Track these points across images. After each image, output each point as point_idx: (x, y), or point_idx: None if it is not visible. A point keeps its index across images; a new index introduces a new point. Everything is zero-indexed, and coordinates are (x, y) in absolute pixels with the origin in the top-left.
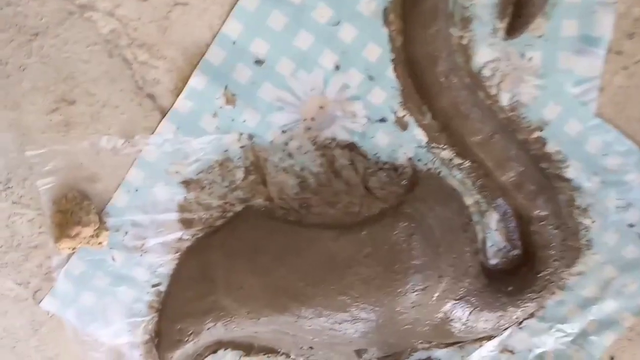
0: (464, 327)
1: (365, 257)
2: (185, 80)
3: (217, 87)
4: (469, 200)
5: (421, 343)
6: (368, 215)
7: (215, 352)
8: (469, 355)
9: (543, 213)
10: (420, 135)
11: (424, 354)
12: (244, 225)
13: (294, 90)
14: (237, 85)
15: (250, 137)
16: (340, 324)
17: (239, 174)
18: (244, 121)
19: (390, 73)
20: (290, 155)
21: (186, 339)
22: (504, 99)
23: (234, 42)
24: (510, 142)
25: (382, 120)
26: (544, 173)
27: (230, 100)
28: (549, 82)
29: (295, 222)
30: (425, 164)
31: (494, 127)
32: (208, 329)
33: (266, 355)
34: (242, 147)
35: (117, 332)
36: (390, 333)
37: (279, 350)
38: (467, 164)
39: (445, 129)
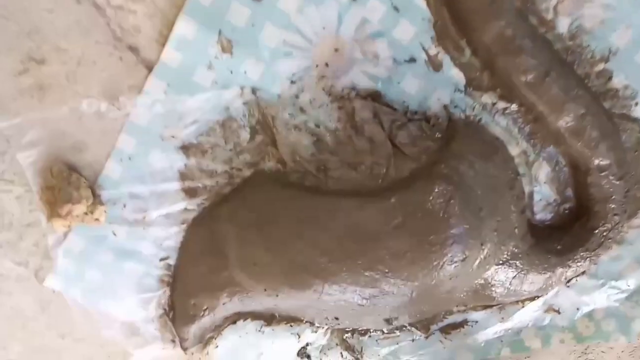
0: (506, 291)
1: (395, 229)
2: (170, 27)
3: (209, 32)
4: (514, 151)
5: (457, 306)
6: (396, 178)
7: (234, 322)
8: (509, 316)
9: (605, 162)
10: (457, 77)
11: (460, 317)
12: (254, 193)
13: (302, 31)
14: (233, 29)
15: (254, 90)
16: (368, 299)
17: (245, 135)
18: (245, 72)
19: (420, 1)
20: (302, 109)
21: (201, 313)
22: (562, 25)
23: None
24: (569, 79)
25: (411, 60)
26: (607, 114)
27: (227, 47)
28: (620, 1)
29: (313, 188)
30: (463, 111)
31: (549, 62)
32: (224, 303)
33: (289, 324)
34: (245, 103)
35: (129, 308)
36: (423, 303)
37: (302, 318)
38: (514, 107)
39: (489, 67)
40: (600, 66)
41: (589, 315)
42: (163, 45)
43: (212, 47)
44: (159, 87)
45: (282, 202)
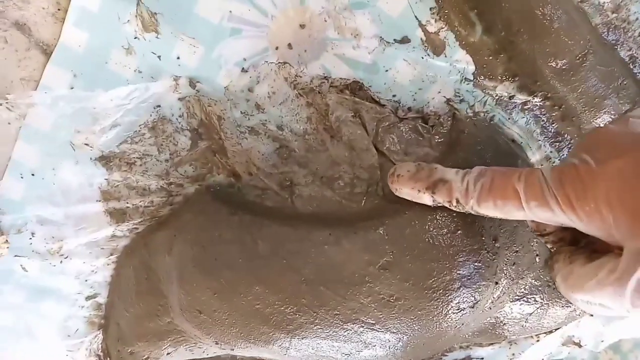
0: (521, 329)
1: (382, 270)
2: None
3: (124, 2)
4: (534, 156)
5: (459, 344)
6: (384, 199)
7: None
8: (521, 351)
9: None
10: (464, 61)
11: (462, 353)
12: (197, 219)
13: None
14: None
15: (192, 82)
16: (349, 355)
17: (184, 141)
18: (178, 58)
19: None
20: (258, 107)
21: None
22: None
23: None
24: (611, 65)
25: (404, 40)
26: None
27: (149, 24)
28: None
29: (275, 211)
30: (471, 107)
31: (587, 42)
32: (168, 354)
33: None
34: (181, 99)
35: (53, 356)
36: (420, 351)
37: None
38: (538, 101)
39: (507, 49)
40: None
41: (615, 347)
42: (62, 22)
43: (128, 23)
44: (62, 80)
45: (232, 232)
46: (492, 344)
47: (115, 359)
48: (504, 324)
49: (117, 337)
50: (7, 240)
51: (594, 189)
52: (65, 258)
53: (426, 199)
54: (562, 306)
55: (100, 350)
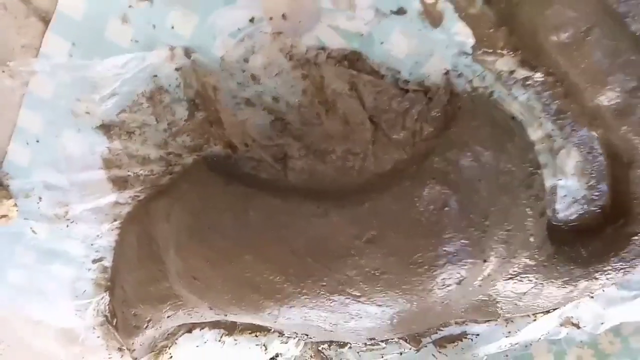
0: (515, 307)
1: (368, 243)
2: None
3: None
4: (535, 134)
5: (454, 319)
6: (375, 173)
7: (190, 331)
8: (517, 330)
9: None
10: (463, 34)
11: (458, 329)
12: (193, 189)
13: None
14: None
15: (188, 52)
16: (336, 324)
17: (181, 111)
18: (173, 27)
19: None
20: (254, 78)
21: (145, 325)
22: None
23: None
24: (618, 40)
25: (400, 11)
26: None
27: None
28: None
29: (268, 183)
30: (470, 82)
31: (593, 15)
32: (168, 317)
33: (253, 334)
34: (178, 69)
35: (63, 314)
36: (409, 324)
37: (269, 328)
38: (539, 77)
39: (508, 21)
40: None
41: (616, 330)
42: None
43: None
44: (61, 48)
45: (226, 202)
46: (487, 321)
47: (121, 320)
48: (497, 302)
49: (122, 300)
50: (15, 204)
51: None
52: (72, 222)
53: None
54: (558, 287)
55: (107, 312)
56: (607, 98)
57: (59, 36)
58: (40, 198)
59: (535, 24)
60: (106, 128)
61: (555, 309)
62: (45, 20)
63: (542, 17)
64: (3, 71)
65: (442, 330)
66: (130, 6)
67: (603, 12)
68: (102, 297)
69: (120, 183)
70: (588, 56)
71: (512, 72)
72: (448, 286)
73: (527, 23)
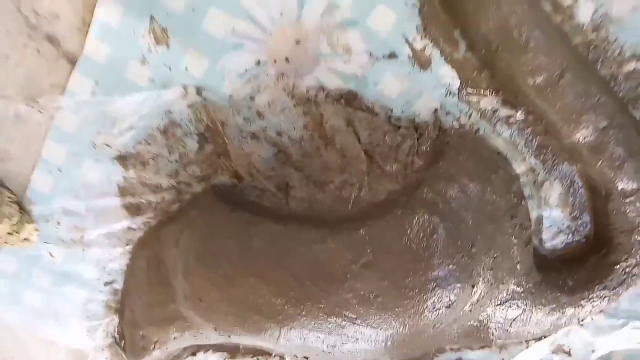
0: (505, 333)
1: (363, 268)
2: (93, 12)
3: (139, 19)
4: (519, 168)
5: (449, 345)
6: (370, 203)
7: (194, 354)
8: (511, 357)
9: (631, 186)
10: (449, 76)
11: (453, 355)
12: (201, 216)
13: (254, 17)
14: (168, 14)
15: (200, 90)
16: (334, 346)
17: (192, 144)
18: (186, 69)
19: None
20: (259, 114)
21: (152, 347)
22: (584, 14)
23: None
24: (589, 83)
25: (392, 56)
26: (637, 126)
27: (161, 38)
28: None
29: (271, 210)
30: (457, 119)
31: (564, 60)
32: (174, 338)
33: (255, 358)
34: (190, 105)
35: (74, 335)
36: (404, 348)
37: (270, 352)
38: (520, 116)
39: (489, 65)
40: (631, 65)
41: (607, 358)
42: (86, 34)
43: (142, 37)
44: (85, 86)
45: (231, 228)
46: (482, 347)
47: (129, 341)
48: (488, 327)
49: (130, 321)
50: (36, 229)
51: None
52: (87, 246)
53: None
54: (546, 313)
55: (116, 333)
56: (582, 135)
57: (84, 76)
58: (58, 223)
59: (513, 69)
60: (123, 159)
61: (546, 336)
62: (72, 62)
63: (518, 63)
64: (32, 107)
65: (437, 356)
66: (149, 50)
67: (574, 58)
68: (112, 319)
69: (133, 210)
70: (562, 98)
71: (495, 110)
72: (438, 309)
73: (506, 68)
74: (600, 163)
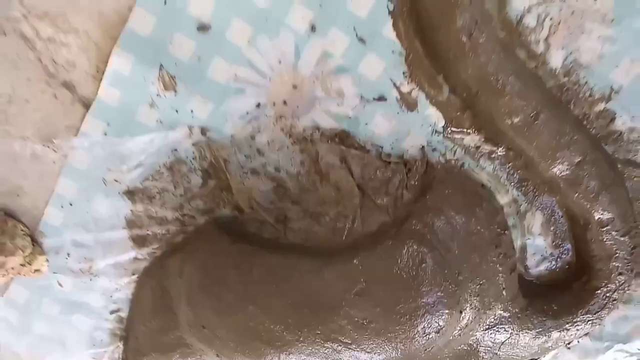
0: (495, 356)
1: (357, 296)
2: (107, 61)
3: (149, 67)
4: (503, 199)
5: None
6: (363, 234)
7: None
8: None
9: (606, 216)
10: (434, 116)
11: None
12: (203, 247)
13: (255, 65)
14: (176, 63)
15: (204, 131)
16: None
17: (196, 179)
18: (192, 111)
19: (388, 32)
20: (259, 152)
21: None
22: (555, 60)
23: (165, 1)
24: (563, 122)
25: (381, 99)
26: (609, 160)
27: (169, 84)
28: (622, 32)
29: (270, 241)
30: (443, 155)
31: (538, 102)
32: None
33: None
34: (194, 144)
35: None
36: None
37: None
38: (501, 152)
39: (470, 106)
40: (601, 106)
41: None
42: (100, 81)
43: (152, 83)
44: (98, 128)
45: (232, 259)
46: None
47: None
48: (478, 351)
49: (135, 348)
50: (47, 260)
51: None
52: (95, 276)
53: None
54: (533, 337)
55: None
56: (559, 170)
57: (97, 118)
58: (68, 254)
59: (492, 111)
60: (131, 193)
61: (535, 359)
62: (87, 106)
63: (496, 105)
64: (48, 147)
65: None
66: (157, 95)
67: (548, 100)
68: (117, 346)
69: (140, 241)
70: (538, 136)
71: (478, 147)
72: (428, 334)
73: (485, 110)
74: (577, 195)
